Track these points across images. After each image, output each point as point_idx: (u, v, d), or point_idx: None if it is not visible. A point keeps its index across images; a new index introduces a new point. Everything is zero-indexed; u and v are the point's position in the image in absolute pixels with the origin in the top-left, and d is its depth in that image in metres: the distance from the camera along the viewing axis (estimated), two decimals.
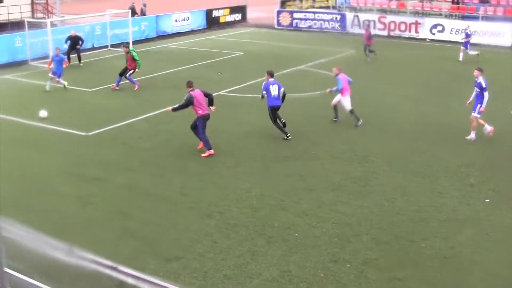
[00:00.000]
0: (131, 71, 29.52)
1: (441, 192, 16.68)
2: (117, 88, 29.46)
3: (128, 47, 30.73)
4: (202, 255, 13.10)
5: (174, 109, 20.13)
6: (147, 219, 14.95)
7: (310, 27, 51.45)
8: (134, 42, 41.74)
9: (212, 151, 19.78)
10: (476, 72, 21.10)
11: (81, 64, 36.33)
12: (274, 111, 21.54)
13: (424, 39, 45.74)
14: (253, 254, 13.18)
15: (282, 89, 21.53)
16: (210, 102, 20.44)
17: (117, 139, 21.73)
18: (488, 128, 21.15)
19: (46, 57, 36.37)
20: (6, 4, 54.98)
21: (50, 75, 29.17)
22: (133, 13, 51.73)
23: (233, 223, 14.63)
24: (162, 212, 15.39)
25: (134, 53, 29.62)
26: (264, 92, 21.56)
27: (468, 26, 37.78)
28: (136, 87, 29.41)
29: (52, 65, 29.40)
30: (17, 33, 39.75)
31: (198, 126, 19.87)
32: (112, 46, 42.14)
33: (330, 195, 16.36)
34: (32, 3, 58.30)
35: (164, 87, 29.77)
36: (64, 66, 29.63)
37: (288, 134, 21.42)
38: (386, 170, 18.40)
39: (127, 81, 29.49)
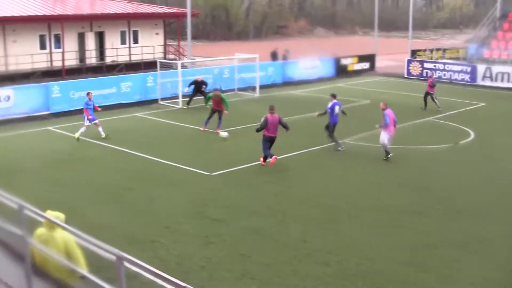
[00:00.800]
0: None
1: None
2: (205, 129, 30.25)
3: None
4: None
5: (257, 130, 23.95)
6: (267, 263, 15.04)
7: (440, 77, 50.81)
8: (261, 87, 42.37)
9: (274, 157, 23.42)
10: None
11: (208, 106, 37.07)
12: (335, 127, 26.38)
13: None
14: None
15: (342, 107, 26.88)
16: (285, 127, 24.30)
17: (241, 181, 22.04)
18: None
19: (175, 97, 37.55)
20: (141, 44, 57.15)
21: (88, 123, 28.28)
22: (275, 57, 52.76)
23: (351, 274, 14.53)
24: (283, 257, 15.44)
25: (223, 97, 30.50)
26: (329, 111, 26.38)
27: None
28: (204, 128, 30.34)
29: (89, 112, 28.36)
30: (149, 73, 41.19)
31: (263, 143, 23.74)
32: (239, 89, 42.87)
33: (454, 253, 16.00)
34: (165, 45, 60.33)
35: (290, 132, 29.96)
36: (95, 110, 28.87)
37: (340, 148, 26.38)
38: None
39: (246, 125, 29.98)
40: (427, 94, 37.27)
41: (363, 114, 35.14)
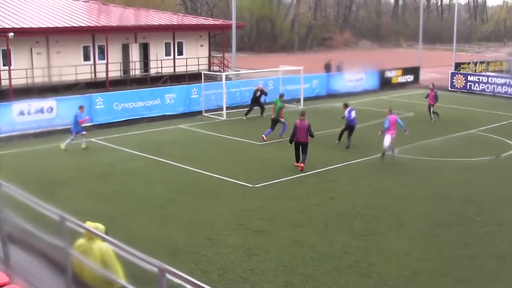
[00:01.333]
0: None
1: None
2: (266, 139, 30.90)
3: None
4: None
5: (290, 141, 25.70)
6: (309, 274, 15.10)
7: (483, 90, 50.54)
8: (305, 99, 42.46)
9: (300, 165, 25.15)
10: None
11: (264, 116, 37.74)
12: (353, 129, 29.53)
13: None
14: None
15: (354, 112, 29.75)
16: (310, 135, 25.44)
17: (284, 193, 22.14)
18: None
19: (219, 109, 37.84)
20: (185, 56, 57.54)
21: (74, 135, 28.98)
22: (328, 69, 53.12)
23: (392, 285, 14.54)
24: (324, 268, 15.49)
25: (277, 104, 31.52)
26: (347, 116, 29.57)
27: None
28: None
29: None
30: (194, 85, 41.52)
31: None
32: (284, 101, 42.96)
33: (493, 264, 15.93)
34: (210, 57, 60.66)
35: (331, 145, 30.04)
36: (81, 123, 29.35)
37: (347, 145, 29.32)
38: None
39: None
40: (429, 106, 37.68)
41: (407, 126, 34.96)
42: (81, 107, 29.51)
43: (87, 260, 8.92)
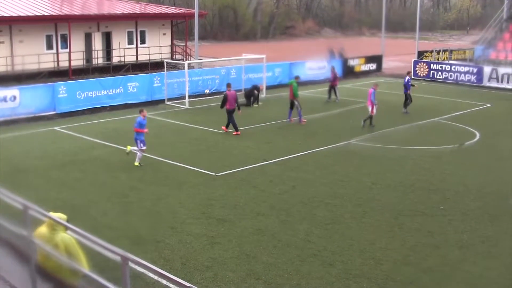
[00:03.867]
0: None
1: None
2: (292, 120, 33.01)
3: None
4: None
5: (220, 107, 30.26)
6: (271, 263, 15.10)
7: (446, 78, 50.92)
8: (267, 88, 42.48)
9: (239, 132, 29.27)
10: None
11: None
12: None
13: None
14: None
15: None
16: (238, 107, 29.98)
17: (246, 181, 22.11)
18: None
19: (182, 97, 37.78)
20: (148, 45, 57.29)
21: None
22: (332, 55, 54.14)
23: (355, 274, 14.58)
24: (287, 257, 15.49)
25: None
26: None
27: None
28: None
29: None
30: (156, 73, 41.31)
31: (229, 116, 29.76)
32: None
33: (456, 253, 16.07)
34: (172, 45, 60.46)
35: (296, 133, 30.12)
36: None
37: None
38: None
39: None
40: (331, 87, 40.24)
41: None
42: (141, 111, 24.64)
43: (50, 249, 8.86)
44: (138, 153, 23.92)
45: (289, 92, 32.97)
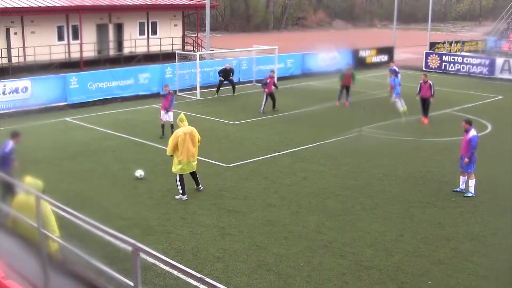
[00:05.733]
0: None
1: None
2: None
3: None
4: None
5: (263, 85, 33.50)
6: (282, 254, 15.11)
7: (458, 70, 50.72)
8: (279, 79, 42.42)
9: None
10: None
11: (235, 95, 37.81)
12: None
13: None
14: None
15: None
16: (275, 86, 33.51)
17: (257, 172, 22.11)
18: None
19: (193, 88, 37.84)
20: (159, 36, 57.36)
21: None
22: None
23: (366, 265, 14.58)
24: (298, 248, 15.51)
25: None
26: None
27: None
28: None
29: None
30: (168, 64, 41.32)
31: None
32: (257, 81, 42.96)
33: (467, 245, 16.02)
34: (183, 36, 60.48)
35: (306, 124, 30.09)
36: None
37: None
38: None
39: (262, 118, 30.29)
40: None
41: (381, 105, 35.22)
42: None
43: (25, 213, 9.17)
44: None
45: (345, 79, 35.44)
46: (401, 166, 23.13)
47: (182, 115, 19.84)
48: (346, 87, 35.42)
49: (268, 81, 32.76)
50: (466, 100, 37.54)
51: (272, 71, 34.86)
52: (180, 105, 34.51)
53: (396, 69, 37.18)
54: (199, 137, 19.63)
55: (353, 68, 36.91)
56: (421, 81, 30.79)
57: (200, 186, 19.96)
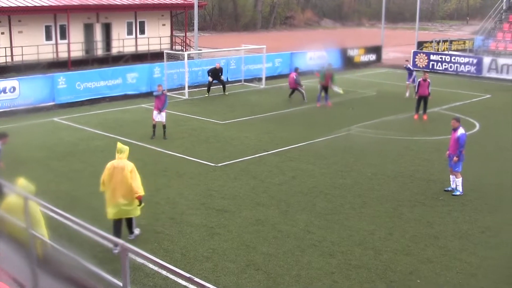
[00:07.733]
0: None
1: None
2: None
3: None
4: None
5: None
6: (271, 253, 15.12)
7: (446, 69, 50.88)
8: (267, 78, 42.41)
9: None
10: None
11: (226, 94, 37.84)
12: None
13: None
14: None
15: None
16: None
17: (246, 172, 22.11)
18: None
19: (182, 88, 37.79)
20: (147, 35, 57.30)
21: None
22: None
23: (355, 264, 14.61)
24: (287, 247, 15.52)
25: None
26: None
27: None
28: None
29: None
30: (156, 64, 41.25)
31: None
32: (246, 81, 42.94)
33: (456, 243, 16.08)
34: (172, 36, 60.45)
35: (295, 123, 30.12)
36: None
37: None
38: None
39: (251, 117, 30.27)
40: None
41: (369, 104, 35.30)
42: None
43: (16, 214, 9.21)
44: None
45: (326, 79, 35.05)
46: (390, 165, 23.19)
47: (119, 145, 15.94)
48: (324, 88, 35.25)
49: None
50: (454, 99, 37.68)
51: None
52: (168, 105, 34.39)
53: (410, 67, 37.45)
54: (135, 176, 15.53)
55: (333, 69, 36.88)
56: (421, 79, 31.16)
57: (132, 235, 15.74)
